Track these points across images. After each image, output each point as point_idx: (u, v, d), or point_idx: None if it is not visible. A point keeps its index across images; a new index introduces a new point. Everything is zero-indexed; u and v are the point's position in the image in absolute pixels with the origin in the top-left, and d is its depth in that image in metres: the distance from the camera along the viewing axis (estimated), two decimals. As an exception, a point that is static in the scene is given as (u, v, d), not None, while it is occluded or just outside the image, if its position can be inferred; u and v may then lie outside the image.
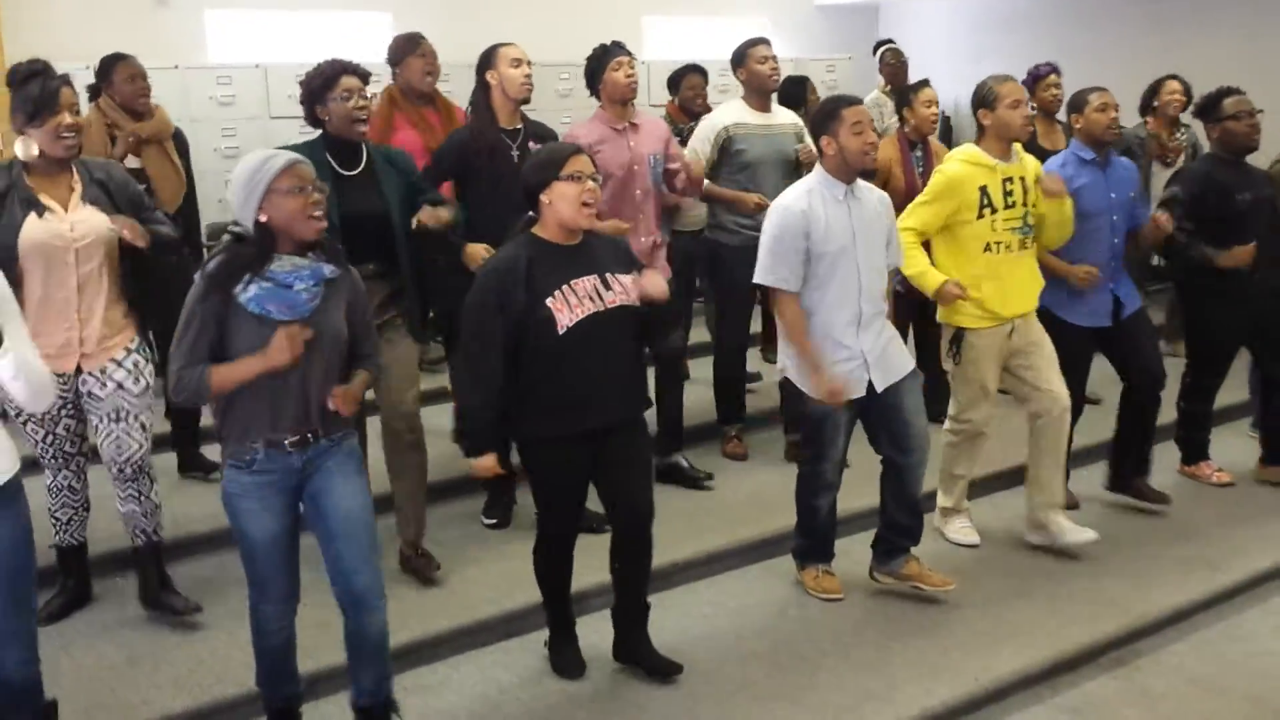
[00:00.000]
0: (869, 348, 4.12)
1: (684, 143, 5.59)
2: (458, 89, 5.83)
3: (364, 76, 4.15)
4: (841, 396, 4.08)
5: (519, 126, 4.71)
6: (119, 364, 3.89)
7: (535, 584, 4.17)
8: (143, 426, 3.96)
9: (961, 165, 4.52)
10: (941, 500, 4.89)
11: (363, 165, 4.12)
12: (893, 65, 8.26)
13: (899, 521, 4.31)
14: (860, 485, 4.57)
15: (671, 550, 4.37)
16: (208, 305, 3.03)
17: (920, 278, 4.48)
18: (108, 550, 4.34)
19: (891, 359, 4.17)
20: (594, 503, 3.78)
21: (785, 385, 4.35)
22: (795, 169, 5.25)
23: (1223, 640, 4.25)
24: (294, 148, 3.80)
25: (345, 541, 3.20)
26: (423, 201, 4.20)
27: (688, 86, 6.66)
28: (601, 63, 4.93)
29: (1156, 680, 3.99)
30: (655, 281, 3.57)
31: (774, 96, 5.52)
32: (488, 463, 3.57)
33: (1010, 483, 5.19)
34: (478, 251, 4.35)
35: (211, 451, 5.11)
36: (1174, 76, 6.69)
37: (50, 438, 3.93)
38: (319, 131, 4.15)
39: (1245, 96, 5.09)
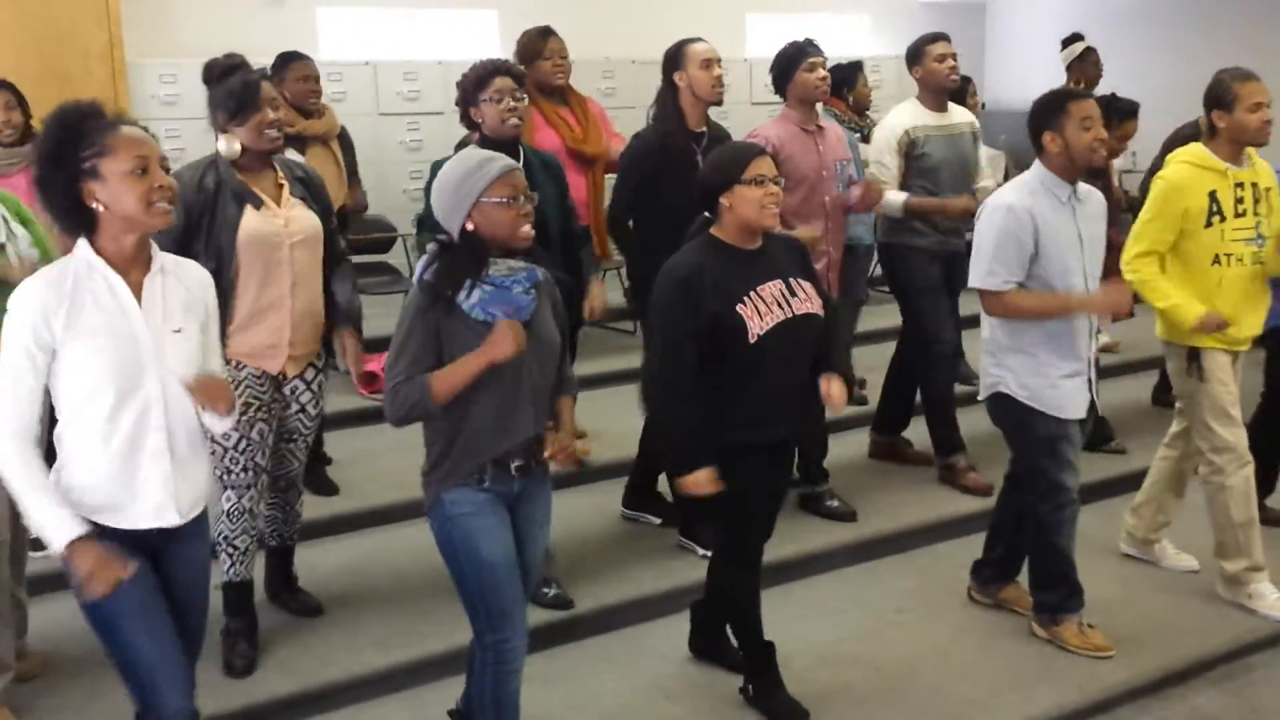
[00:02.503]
0: (1090, 364, 3.86)
1: (866, 140, 5.38)
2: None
3: (518, 76, 4.13)
4: (1124, 305, 3.76)
5: (704, 129, 4.52)
6: (307, 385, 3.80)
7: (628, 581, 4.21)
8: (307, 445, 3.93)
9: (1186, 168, 4.16)
10: (1233, 564, 4.28)
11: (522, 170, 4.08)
12: (1094, 67, 7.55)
13: (1020, 550, 4.13)
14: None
15: (767, 551, 4.35)
16: (431, 316, 2.90)
17: (1174, 311, 4.09)
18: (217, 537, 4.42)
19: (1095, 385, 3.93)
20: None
21: (998, 404, 3.92)
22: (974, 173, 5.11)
23: (1338, 656, 4.12)
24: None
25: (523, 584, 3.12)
26: (576, 238, 4.35)
27: (863, 83, 6.48)
28: (794, 63, 4.67)
29: (1268, 695, 3.88)
30: (837, 390, 3.36)
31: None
32: (702, 478, 3.28)
33: (1120, 490, 5.07)
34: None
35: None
36: None
37: (244, 443, 3.65)
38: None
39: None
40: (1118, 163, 5.98)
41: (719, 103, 4.52)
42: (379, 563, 4.49)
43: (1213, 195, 4.11)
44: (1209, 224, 4.11)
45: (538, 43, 5.14)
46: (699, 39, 4.54)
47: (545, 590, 4.10)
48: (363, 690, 3.71)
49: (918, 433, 5.52)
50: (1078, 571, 3.98)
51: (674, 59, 4.51)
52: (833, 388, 3.36)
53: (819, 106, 4.82)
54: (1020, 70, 10.02)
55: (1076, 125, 3.73)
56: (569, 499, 5.00)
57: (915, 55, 5.13)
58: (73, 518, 2.57)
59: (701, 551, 4.44)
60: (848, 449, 5.58)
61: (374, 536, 4.71)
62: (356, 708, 3.69)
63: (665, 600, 4.22)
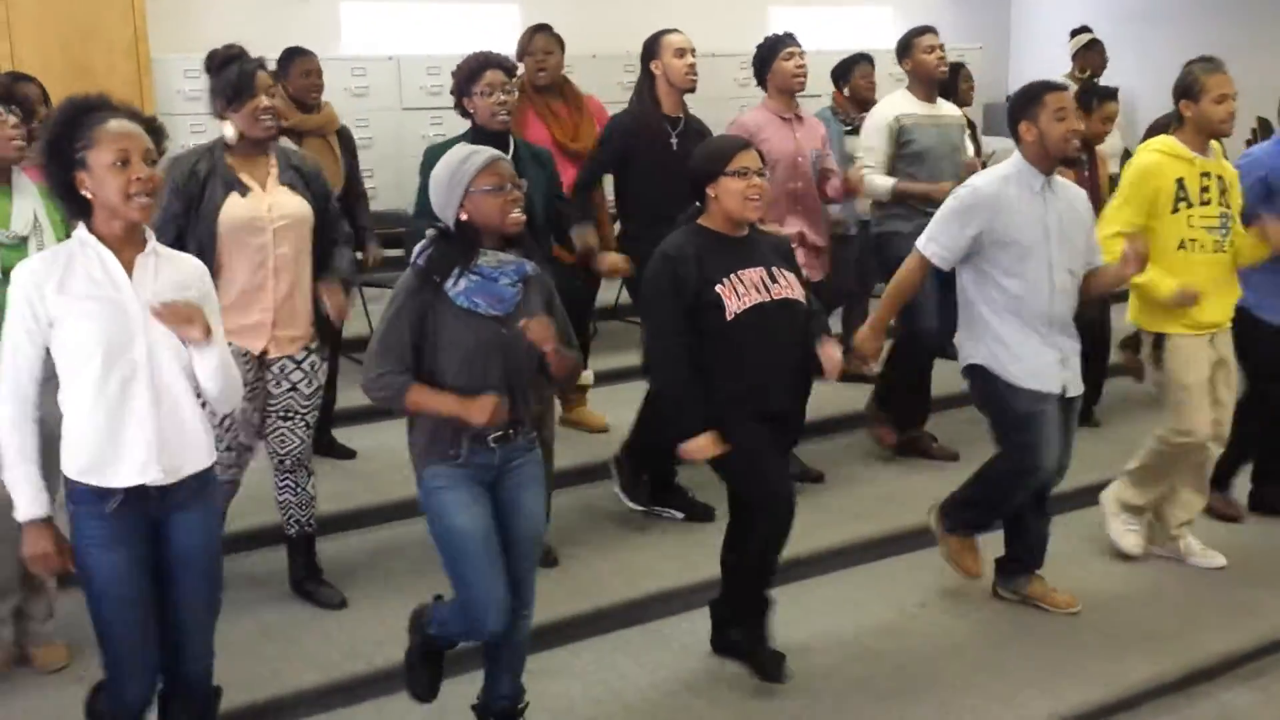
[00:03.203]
0: (1066, 350, 3.96)
1: (855, 134, 5.54)
2: (585, 80, 5.85)
3: (509, 70, 4.20)
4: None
5: (680, 115, 4.79)
6: (297, 364, 3.91)
7: (652, 574, 4.21)
8: (307, 425, 4.01)
9: (1156, 155, 4.32)
10: (1141, 495, 4.52)
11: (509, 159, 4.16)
12: (1099, 56, 7.84)
13: (1040, 541, 4.16)
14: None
15: (786, 548, 4.35)
16: (418, 299, 3.05)
17: (1150, 286, 4.21)
18: (242, 528, 4.42)
19: (1078, 369, 4.02)
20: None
21: (976, 378, 4.04)
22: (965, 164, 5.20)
23: (1368, 653, 4.08)
24: (446, 142, 3.94)
25: (519, 557, 3.23)
26: (565, 217, 4.39)
27: (860, 75, 6.54)
28: (773, 52, 4.98)
29: (1297, 693, 3.86)
30: (832, 357, 3.60)
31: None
32: (703, 442, 3.47)
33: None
34: (615, 263, 4.46)
35: (344, 436, 5.26)
36: None
37: (227, 420, 3.79)
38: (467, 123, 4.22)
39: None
40: (1108, 147, 5.96)
41: (692, 90, 4.79)
42: (401, 556, 4.49)
43: (1180, 182, 4.27)
44: (1175, 209, 4.26)
45: (525, 39, 5.34)
46: (674, 30, 4.79)
47: None
48: (387, 684, 3.70)
49: (937, 426, 5.52)
50: (1090, 570, 4.00)
51: (650, 48, 4.78)
52: (829, 349, 3.59)
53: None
54: (1045, 63, 9.91)
55: (1051, 116, 3.85)
56: (590, 492, 5.03)
57: (905, 48, 5.41)
58: (42, 499, 2.77)
59: (629, 503, 4.73)
60: (869, 443, 5.58)
61: (396, 529, 4.72)
62: (380, 700, 3.69)
63: (689, 594, 4.21)
